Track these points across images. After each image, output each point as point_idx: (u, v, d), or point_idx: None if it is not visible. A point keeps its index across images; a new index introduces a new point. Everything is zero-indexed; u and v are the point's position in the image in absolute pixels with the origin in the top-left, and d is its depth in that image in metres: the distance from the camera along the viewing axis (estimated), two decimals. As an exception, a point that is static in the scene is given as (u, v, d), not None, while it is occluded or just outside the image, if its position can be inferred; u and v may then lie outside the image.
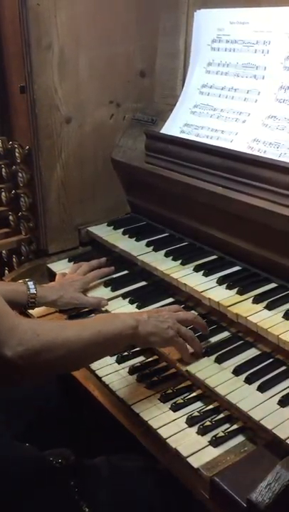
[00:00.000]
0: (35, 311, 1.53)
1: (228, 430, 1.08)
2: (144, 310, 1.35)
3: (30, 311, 1.53)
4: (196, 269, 1.46)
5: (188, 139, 1.55)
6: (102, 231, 1.76)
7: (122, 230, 1.74)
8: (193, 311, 1.33)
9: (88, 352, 1.08)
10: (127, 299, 1.48)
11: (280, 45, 1.42)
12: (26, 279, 1.44)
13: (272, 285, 1.37)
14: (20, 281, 1.47)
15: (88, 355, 1.10)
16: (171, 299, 1.48)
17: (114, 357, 1.31)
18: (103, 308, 1.47)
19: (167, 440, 1.07)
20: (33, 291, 1.39)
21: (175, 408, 1.15)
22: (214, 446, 1.05)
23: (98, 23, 1.65)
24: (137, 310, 1.43)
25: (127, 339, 1.15)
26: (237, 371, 1.17)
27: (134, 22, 1.73)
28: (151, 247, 1.60)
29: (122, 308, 1.45)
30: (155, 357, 1.32)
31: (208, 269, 1.44)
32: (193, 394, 1.19)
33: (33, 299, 1.39)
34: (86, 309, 1.52)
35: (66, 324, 1.14)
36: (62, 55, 1.60)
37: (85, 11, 1.60)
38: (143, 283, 1.57)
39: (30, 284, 1.40)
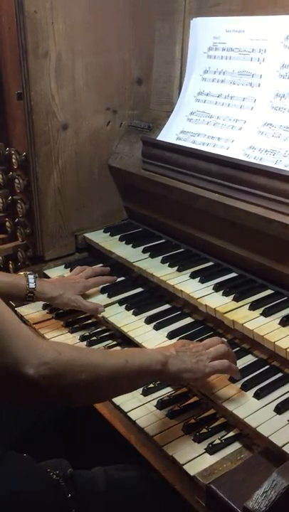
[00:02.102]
0: (30, 316, 1.53)
1: (225, 437, 1.08)
2: (170, 343, 1.24)
3: (26, 316, 1.53)
4: (193, 276, 1.46)
5: (184, 146, 1.56)
6: (99, 237, 1.76)
7: (118, 236, 1.74)
8: (221, 338, 1.23)
9: (112, 381, 0.99)
10: (124, 305, 1.48)
11: (275, 54, 1.43)
12: (28, 271, 1.42)
13: (269, 292, 1.37)
14: (21, 272, 1.45)
15: (112, 385, 1.01)
16: (167, 306, 1.48)
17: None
18: (100, 315, 1.46)
19: (163, 447, 1.07)
20: (32, 285, 1.37)
21: (171, 415, 1.15)
22: (210, 454, 1.05)
23: (95, 31, 1.66)
24: (133, 316, 1.43)
25: (155, 375, 1.07)
26: (233, 378, 1.17)
27: (131, 30, 1.74)
28: (148, 254, 1.60)
29: (118, 314, 1.45)
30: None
31: (204, 276, 1.44)
32: (190, 401, 1.19)
33: (31, 293, 1.37)
34: (83, 315, 1.52)
35: (89, 350, 1.09)
36: (59, 62, 1.61)
37: (82, 18, 1.61)
38: (139, 289, 1.57)
39: (31, 277, 1.38)
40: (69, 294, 1.45)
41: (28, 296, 1.38)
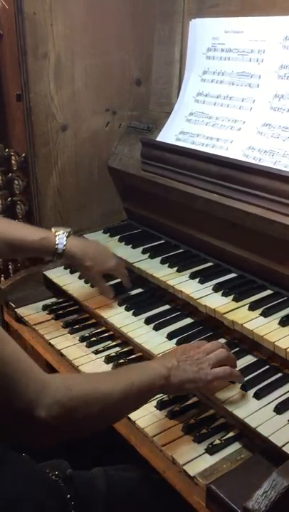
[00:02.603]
0: (30, 317, 1.53)
1: (225, 438, 1.08)
2: (170, 343, 1.27)
3: (26, 317, 1.54)
4: (192, 276, 1.46)
5: (184, 147, 1.56)
6: (99, 238, 1.76)
7: (118, 237, 1.74)
8: (221, 342, 1.21)
9: (122, 406, 0.99)
10: (123, 306, 1.48)
11: (274, 54, 1.44)
12: (60, 230, 1.34)
13: (268, 292, 1.38)
14: (52, 229, 1.37)
15: (121, 409, 1.01)
16: (167, 306, 1.48)
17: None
18: (101, 315, 1.46)
19: (163, 448, 1.07)
20: (61, 246, 1.29)
21: (171, 415, 1.15)
22: (210, 454, 1.05)
23: (94, 32, 1.66)
24: (132, 317, 1.43)
25: (159, 389, 1.06)
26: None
27: (130, 31, 1.74)
28: (148, 254, 1.61)
29: (118, 315, 1.45)
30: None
31: (204, 276, 1.44)
32: (190, 401, 1.19)
33: (59, 254, 1.31)
34: (83, 316, 1.51)
35: (98, 377, 1.04)
36: (59, 64, 1.61)
37: (81, 20, 1.62)
38: (139, 290, 1.57)
39: (61, 236, 1.31)
40: (93, 271, 1.38)
41: (57, 256, 1.31)
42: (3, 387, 0.82)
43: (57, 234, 1.30)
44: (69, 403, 0.87)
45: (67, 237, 1.31)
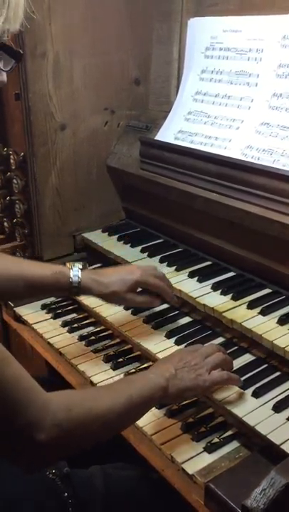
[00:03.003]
0: (28, 317, 1.53)
1: (223, 436, 1.08)
2: (168, 341, 1.26)
3: (24, 316, 1.54)
4: (191, 275, 1.46)
5: (182, 146, 1.56)
6: (97, 237, 1.76)
7: (116, 236, 1.74)
8: (218, 345, 1.21)
9: (121, 421, 0.99)
10: (122, 305, 1.48)
11: (272, 53, 1.44)
12: (74, 263, 1.28)
13: (267, 291, 1.38)
14: (67, 263, 1.32)
15: (121, 425, 1.01)
16: (166, 305, 1.48)
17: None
18: (99, 313, 1.45)
19: (162, 446, 1.08)
20: (75, 279, 1.24)
21: (170, 414, 1.15)
22: (209, 453, 1.05)
23: (92, 32, 1.66)
24: (131, 316, 1.43)
25: (158, 400, 1.05)
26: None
27: (129, 30, 1.74)
28: (146, 253, 1.61)
29: (117, 314, 1.45)
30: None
31: (202, 275, 1.44)
32: (188, 400, 1.19)
33: (75, 288, 1.25)
34: (81, 315, 1.51)
35: (96, 394, 1.00)
36: (57, 63, 1.61)
37: (80, 19, 1.62)
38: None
39: (75, 269, 1.25)
40: (120, 293, 1.28)
41: (72, 292, 1.26)
42: (2, 407, 0.80)
43: (70, 267, 1.27)
44: (68, 425, 0.86)
45: (81, 270, 1.27)
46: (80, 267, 1.28)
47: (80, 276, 1.25)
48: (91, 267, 1.70)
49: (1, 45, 0.82)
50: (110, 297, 1.29)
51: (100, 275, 1.31)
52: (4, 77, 0.88)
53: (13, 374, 0.82)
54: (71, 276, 1.25)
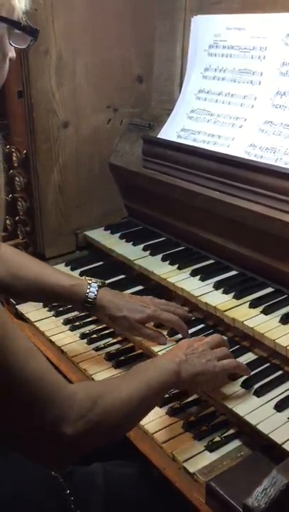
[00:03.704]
0: (30, 314, 1.53)
1: (225, 435, 1.08)
2: (173, 346, 1.23)
3: (26, 314, 1.54)
4: (193, 274, 1.46)
5: (185, 144, 1.56)
6: (99, 235, 1.76)
7: (119, 234, 1.74)
8: (220, 335, 1.22)
9: (142, 409, 0.99)
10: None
11: (276, 51, 1.43)
12: (93, 280, 1.29)
13: (269, 290, 1.37)
14: (87, 278, 1.33)
15: (142, 413, 1.00)
16: (167, 304, 1.48)
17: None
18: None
19: (163, 445, 1.07)
20: (92, 295, 1.25)
21: (172, 413, 1.15)
22: (210, 451, 1.05)
23: (95, 29, 1.65)
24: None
25: (171, 386, 1.06)
26: (233, 376, 1.17)
27: (131, 28, 1.74)
28: (148, 252, 1.60)
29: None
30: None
31: (204, 274, 1.44)
32: (190, 398, 1.19)
33: (89, 303, 1.26)
34: (83, 313, 1.51)
35: (116, 383, 1.00)
36: (60, 60, 1.60)
37: (82, 16, 1.61)
38: (140, 287, 1.57)
39: (94, 285, 1.26)
40: (132, 320, 1.28)
41: (86, 306, 1.27)
42: (28, 404, 0.80)
43: (89, 282, 1.28)
44: (95, 417, 0.85)
45: (99, 287, 1.27)
46: (99, 284, 1.29)
47: (96, 293, 1.26)
48: (92, 265, 1.70)
49: (17, 24, 0.83)
50: (120, 321, 1.29)
51: (115, 297, 1.32)
52: (14, 52, 0.89)
53: (38, 368, 0.82)
54: (88, 292, 1.26)
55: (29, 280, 1.28)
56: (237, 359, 1.22)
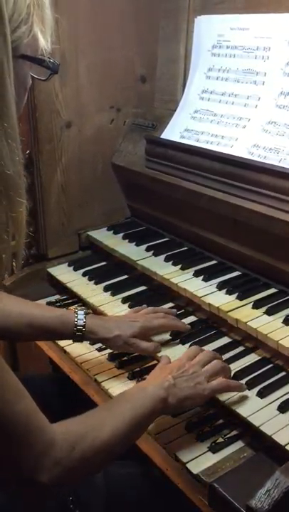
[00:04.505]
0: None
1: (228, 436, 1.08)
2: (162, 366, 1.16)
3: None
4: (196, 274, 1.46)
5: (188, 144, 1.55)
6: (102, 235, 1.76)
7: (121, 234, 1.74)
8: (214, 352, 1.21)
9: (124, 444, 0.98)
10: (127, 304, 1.48)
11: (280, 52, 1.43)
12: (78, 308, 1.31)
13: (272, 290, 1.37)
14: (71, 307, 1.35)
15: (124, 445, 0.99)
16: (170, 304, 1.48)
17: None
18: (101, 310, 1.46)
19: (166, 446, 1.07)
20: (80, 322, 1.25)
21: (174, 414, 1.15)
22: (213, 452, 1.05)
23: (98, 29, 1.65)
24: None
25: (159, 413, 1.05)
26: (237, 377, 1.17)
27: (134, 28, 1.74)
28: (151, 252, 1.60)
29: (121, 312, 1.45)
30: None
31: (208, 274, 1.44)
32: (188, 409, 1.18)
33: (79, 331, 1.25)
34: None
35: (99, 420, 0.96)
36: (63, 61, 1.60)
37: (85, 16, 1.61)
38: (142, 287, 1.57)
39: (80, 313, 1.26)
40: (124, 337, 1.27)
41: (77, 335, 1.26)
42: (8, 441, 0.80)
43: (75, 310, 1.29)
44: (71, 463, 0.85)
45: (86, 314, 1.28)
46: (85, 311, 1.29)
47: (84, 320, 1.26)
48: (95, 265, 1.70)
49: (41, 62, 0.84)
50: (114, 341, 1.28)
51: (104, 320, 1.33)
52: (30, 80, 0.90)
53: (24, 409, 0.81)
54: (76, 320, 1.26)
55: (17, 317, 1.25)
56: (240, 360, 1.22)
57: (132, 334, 1.28)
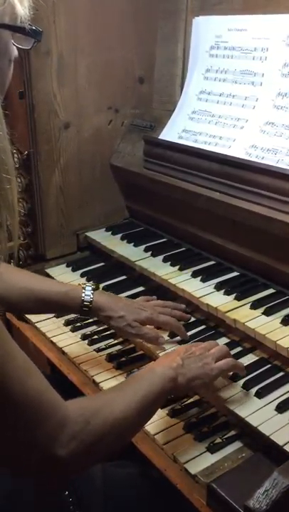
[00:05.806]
0: (31, 315, 1.53)
1: (226, 436, 1.08)
2: (170, 350, 1.23)
3: (27, 315, 1.53)
4: (194, 275, 1.46)
5: (186, 145, 1.56)
6: (101, 236, 1.76)
7: (120, 235, 1.74)
8: (216, 342, 1.22)
9: (138, 422, 0.99)
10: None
11: (277, 52, 1.43)
12: (88, 283, 1.30)
13: (271, 291, 1.37)
14: (81, 282, 1.34)
15: (138, 426, 1.01)
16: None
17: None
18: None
19: (164, 446, 1.07)
20: (87, 298, 1.25)
21: (172, 414, 1.15)
22: (211, 453, 1.05)
23: (96, 30, 1.66)
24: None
25: (169, 393, 1.05)
26: (235, 377, 1.17)
27: (133, 29, 1.74)
28: (150, 253, 1.60)
29: (119, 313, 1.45)
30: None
31: (205, 275, 1.44)
32: (191, 400, 1.19)
33: (86, 307, 1.26)
34: (90, 319, 1.50)
35: (111, 399, 0.96)
36: (61, 61, 1.60)
37: (84, 17, 1.61)
38: (141, 288, 1.57)
39: (88, 289, 1.26)
40: (129, 319, 1.28)
41: (83, 310, 1.27)
42: (23, 423, 0.79)
43: (83, 285, 1.29)
44: (88, 438, 0.84)
45: (94, 290, 1.28)
46: (94, 287, 1.30)
47: (92, 296, 1.27)
48: (94, 266, 1.70)
49: (22, 30, 0.84)
50: (118, 321, 1.29)
51: (111, 298, 1.33)
52: (16, 51, 0.90)
53: (36, 385, 0.81)
54: (83, 295, 1.26)
55: (22, 289, 1.26)
56: (238, 360, 1.22)
57: (136, 319, 1.29)
